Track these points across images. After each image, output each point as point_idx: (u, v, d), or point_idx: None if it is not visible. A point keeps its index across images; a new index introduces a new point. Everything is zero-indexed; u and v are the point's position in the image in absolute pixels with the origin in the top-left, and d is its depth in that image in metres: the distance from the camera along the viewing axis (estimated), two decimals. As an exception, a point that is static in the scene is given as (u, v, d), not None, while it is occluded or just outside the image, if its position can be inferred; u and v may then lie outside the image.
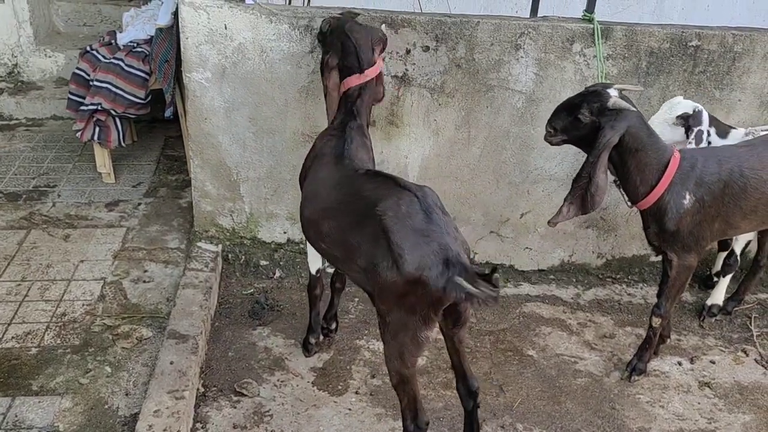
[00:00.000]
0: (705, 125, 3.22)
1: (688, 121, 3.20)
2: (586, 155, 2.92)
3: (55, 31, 5.84)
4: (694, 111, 3.21)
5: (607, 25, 3.40)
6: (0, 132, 5.15)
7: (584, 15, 3.44)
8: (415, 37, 3.36)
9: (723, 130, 3.32)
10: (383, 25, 3.32)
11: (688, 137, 3.19)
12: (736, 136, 3.33)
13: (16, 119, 5.32)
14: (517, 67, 3.44)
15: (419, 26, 3.34)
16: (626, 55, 3.44)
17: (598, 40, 3.39)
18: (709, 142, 3.26)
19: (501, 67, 3.44)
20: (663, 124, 3.26)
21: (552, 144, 3.04)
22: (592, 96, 2.83)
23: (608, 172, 2.91)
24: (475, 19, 3.35)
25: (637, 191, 2.96)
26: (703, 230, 3.00)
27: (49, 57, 5.54)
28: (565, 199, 2.92)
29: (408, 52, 3.39)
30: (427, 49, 3.38)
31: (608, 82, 3.05)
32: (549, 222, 2.99)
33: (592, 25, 3.39)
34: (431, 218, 2.32)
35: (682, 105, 3.25)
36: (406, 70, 3.43)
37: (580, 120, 2.84)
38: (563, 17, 3.49)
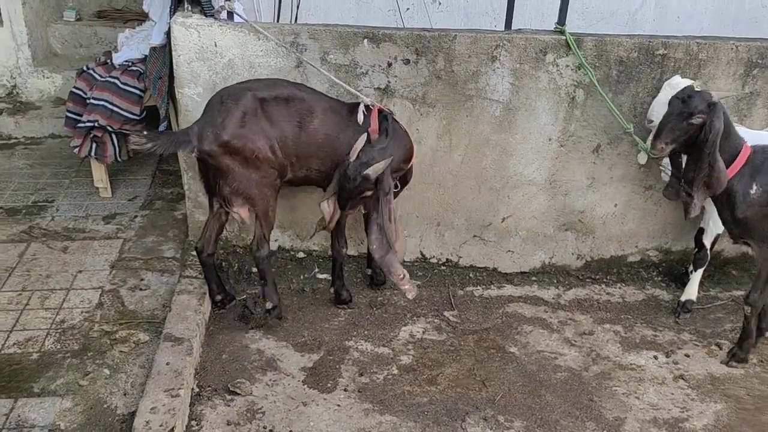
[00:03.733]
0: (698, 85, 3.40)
1: None
2: (564, 160, 3.04)
3: (52, 53, 6.02)
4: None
5: (578, 36, 3.58)
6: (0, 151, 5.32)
7: (556, 27, 3.62)
8: (396, 50, 3.53)
9: None
10: (365, 40, 3.50)
11: None
12: None
13: (15, 138, 5.49)
14: (494, 78, 3.62)
15: (400, 40, 3.52)
16: (597, 64, 3.62)
17: (575, 49, 3.56)
18: None
19: (479, 77, 3.62)
20: (666, 104, 3.46)
21: (660, 156, 3.34)
22: (698, 99, 3.10)
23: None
24: (452, 33, 3.53)
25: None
26: None
27: (47, 78, 5.72)
28: (689, 195, 3.18)
29: (389, 65, 3.56)
30: (407, 62, 3.56)
31: (688, 85, 3.30)
32: (686, 216, 3.27)
33: (564, 37, 3.57)
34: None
35: (682, 84, 3.45)
36: (389, 82, 3.60)
37: (693, 124, 3.11)
38: (536, 30, 3.67)
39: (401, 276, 3.22)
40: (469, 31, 3.56)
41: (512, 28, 3.72)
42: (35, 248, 4.02)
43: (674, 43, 3.61)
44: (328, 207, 3.39)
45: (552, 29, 3.64)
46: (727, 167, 3.14)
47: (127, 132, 4.44)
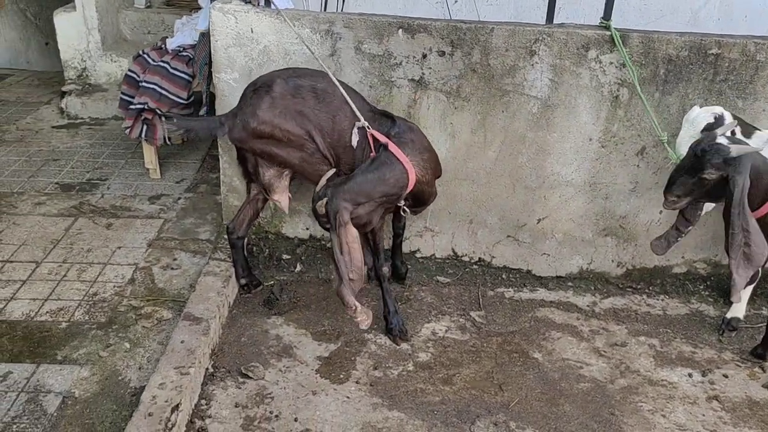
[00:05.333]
0: (729, 129, 3.16)
1: (713, 129, 3.17)
2: (605, 161, 3.08)
3: (121, 38, 6.26)
4: (715, 119, 3.18)
5: (624, 32, 3.41)
6: (65, 129, 5.59)
7: (601, 22, 3.46)
8: (431, 42, 3.46)
9: (748, 132, 3.25)
10: (400, 30, 3.45)
11: None
12: (761, 137, 3.25)
13: (81, 118, 5.76)
14: (532, 73, 3.49)
15: (435, 32, 3.44)
16: (643, 62, 3.44)
17: (619, 45, 3.38)
18: None
19: (516, 72, 3.50)
20: (691, 140, 3.22)
21: (676, 209, 3.13)
22: (712, 153, 2.85)
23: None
24: (490, 25, 3.43)
25: (755, 205, 2.97)
26: None
27: (115, 62, 5.95)
28: (730, 268, 2.90)
29: (424, 56, 3.50)
30: (442, 53, 3.48)
31: (709, 133, 3.02)
32: (731, 299, 3.03)
33: (608, 32, 3.40)
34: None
35: (702, 116, 3.21)
36: (423, 74, 3.54)
37: (706, 179, 2.90)
38: (579, 24, 3.52)
39: (353, 309, 3.07)
40: (507, 24, 3.45)
41: (556, 22, 3.56)
42: (82, 223, 4.19)
43: (729, 42, 3.38)
44: None
45: (597, 24, 3.48)
46: None
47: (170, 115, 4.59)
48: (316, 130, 3.26)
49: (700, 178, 2.89)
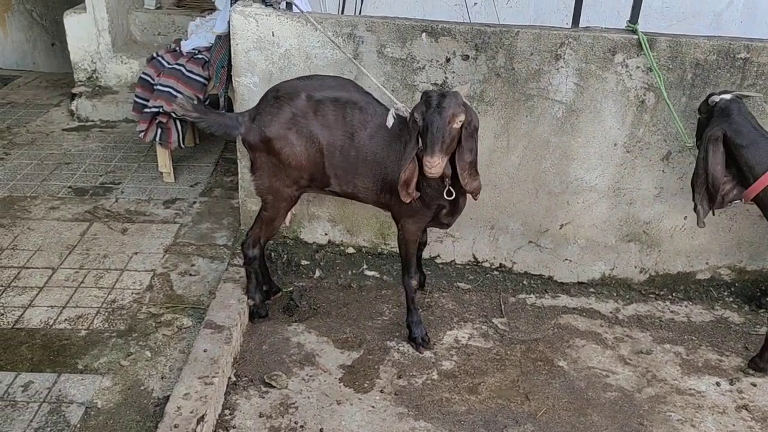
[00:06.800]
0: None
1: None
2: (630, 166, 3.23)
3: (132, 40, 6.21)
4: None
5: (651, 36, 3.36)
6: (76, 132, 5.54)
7: (628, 26, 3.41)
8: (455, 45, 3.42)
9: None
10: (423, 34, 3.40)
11: None
12: None
13: (92, 121, 5.71)
14: (557, 77, 3.44)
15: (459, 35, 3.40)
16: (671, 66, 3.39)
17: (646, 50, 3.34)
18: None
19: (541, 76, 3.45)
20: None
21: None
22: (706, 98, 3.28)
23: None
24: (515, 29, 3.38)
25: (746, 183, 3.16)
26: None
27: (125, 64, 5.90)
28: (694, 202, 3.22)
29: (448, 60, 3.45)
30: (466, 57, 3.44)
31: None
32: (699, 225, 3.25)
33: (635, 36, 3.35)
34: None
35: None
36: (446, 78, 3.49)
37: (700, 114, 3.34)
38: (605, 28, 3.47)
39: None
40: (532, 28, 3.40)
41: (580, 26, 3.52)
42: (97, 228, 4.14)
43: (758, 46, 3.33)
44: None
45: (623, 28, 3.43)
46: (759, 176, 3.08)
47: (192, 120, 4.53)
48: (327, 150, 3.15)
49: (699, 112, 3.34)
